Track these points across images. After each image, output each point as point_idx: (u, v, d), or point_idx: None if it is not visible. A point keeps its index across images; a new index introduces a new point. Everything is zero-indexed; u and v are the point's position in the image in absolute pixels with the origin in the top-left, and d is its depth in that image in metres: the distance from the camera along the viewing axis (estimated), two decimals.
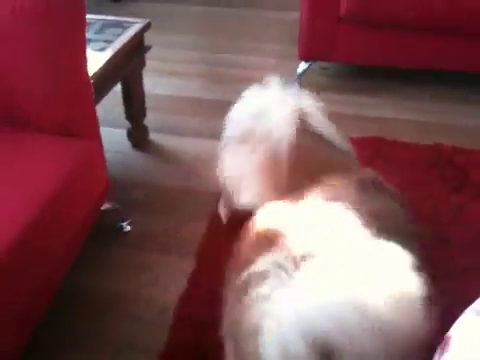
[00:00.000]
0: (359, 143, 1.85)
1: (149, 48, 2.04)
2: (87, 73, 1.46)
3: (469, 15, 2.19)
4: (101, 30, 1.92)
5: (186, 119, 2.35)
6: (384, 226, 1.07)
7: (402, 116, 2.35)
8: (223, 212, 1.77)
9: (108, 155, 1.63)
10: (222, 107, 2.46)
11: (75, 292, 1.58)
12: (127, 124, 2.15)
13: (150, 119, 2.20)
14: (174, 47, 2.90)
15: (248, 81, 2.61)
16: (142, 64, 2.05)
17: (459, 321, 0.96)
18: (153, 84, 2.44)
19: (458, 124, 2.29)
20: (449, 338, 0.96)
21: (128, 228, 1.79)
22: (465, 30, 2.26)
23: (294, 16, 2.72)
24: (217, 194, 1.86)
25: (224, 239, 1.73)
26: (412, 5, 2.20)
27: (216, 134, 2.23)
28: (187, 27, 3.14)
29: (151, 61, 2.23)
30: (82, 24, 1.41)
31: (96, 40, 1.85)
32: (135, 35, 1.91)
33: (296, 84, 2.48)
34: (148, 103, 2.18)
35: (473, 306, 0.98)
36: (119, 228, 1.79)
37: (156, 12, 3.11)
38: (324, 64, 2.65)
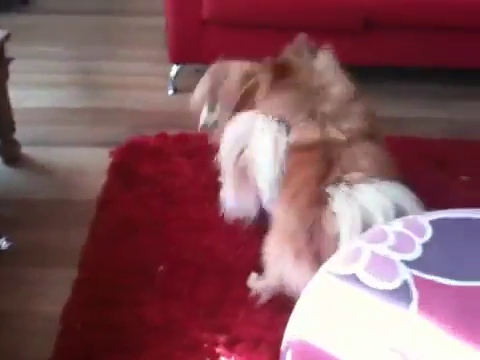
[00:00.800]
0: None
1: (10, 60, 1.99)
2: None
3: (314, 14, 2.37)
4: None
5: (60, 130, 2.31)
6: None
7: None
8: None
9: None
10: (97, 115, 2.47)
11: None
12: None
13: (22, 133, 2.14)
14: (44, 58, 2.82)
15: (123, 87, 2.66)
16: (5, 77, 2.00)
17: (314, 278, 1.08)
18: (23, 97, 2.37)
19: None
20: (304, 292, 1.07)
21: (4, 245, 1.75)
22: (321, 26, 2.42)
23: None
24: (94, 202, 1.88)
25: (106, 246, 1.76)
26: (265, 7, 2.35)
27: (92, 142, 2.24)
28: (56, 37, 3.05)
29: (19, 74, 2.18)
30: None
31: None
32: None
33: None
34: (19, 117, 2.13)
35: (326, 265, 1.09)
36: None
37: (20, 24, 2.98)
38: (197, 66, 2.72)
